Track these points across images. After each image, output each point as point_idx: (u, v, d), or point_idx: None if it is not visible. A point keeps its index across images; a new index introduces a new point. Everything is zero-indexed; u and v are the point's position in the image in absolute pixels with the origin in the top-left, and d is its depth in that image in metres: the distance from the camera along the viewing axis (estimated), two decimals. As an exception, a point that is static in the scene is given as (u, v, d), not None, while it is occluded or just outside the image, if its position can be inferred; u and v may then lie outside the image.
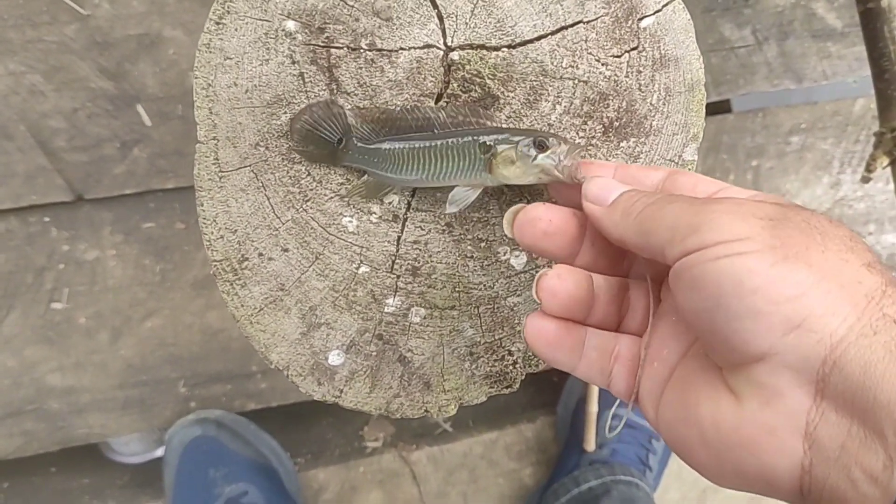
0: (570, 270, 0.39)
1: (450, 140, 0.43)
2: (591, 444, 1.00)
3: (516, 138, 0.42)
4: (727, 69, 1.06)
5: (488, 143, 0.43)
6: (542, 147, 0.41)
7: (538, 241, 0.40)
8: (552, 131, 0.46)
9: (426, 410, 0.50)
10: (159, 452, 1.09)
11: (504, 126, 0.46)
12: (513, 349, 0.49)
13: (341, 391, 0.49)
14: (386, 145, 0.45)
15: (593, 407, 0.98)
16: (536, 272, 0.44)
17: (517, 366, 0.50)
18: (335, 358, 0.49)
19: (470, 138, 0.43)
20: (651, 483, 1.03)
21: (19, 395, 1.02)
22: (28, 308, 1.01)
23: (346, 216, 0.47)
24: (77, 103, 1.00)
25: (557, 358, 0.40)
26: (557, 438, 1.11)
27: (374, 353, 0.49)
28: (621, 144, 0.47)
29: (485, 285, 0.49)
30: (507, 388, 0.50)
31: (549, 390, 1.15)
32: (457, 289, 0.48)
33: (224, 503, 0.99)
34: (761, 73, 1.09)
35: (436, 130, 0.44)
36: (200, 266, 1.04)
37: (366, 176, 0.47)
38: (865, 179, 0.88)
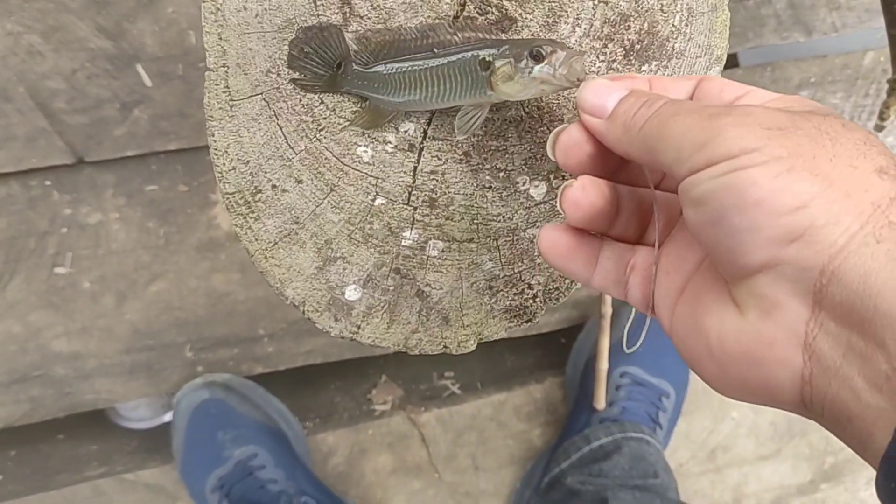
0: (594, 182, 0.38)
1: (449, 58, 0.42)
2: (601, 402, 0.99)
3: (514, 50, 0.40)
4: (736, 21, 1.04)
5: (487, 58, 0.41)
6: (537, 58, 0.40)
7: (583, 165, 0.39)
8: (551, 38, 0.44)
9: (445, 346, 0.49)
10: (167, 417, 1.08)
11: (503, 38, 0.44)
12: (533, 282, 0.48)
13: (358, 327, 0.48)
14: (382, 68, 0.43)
15: (604, 364, 0.97)
16: (556, 203, 0.43)
17: (537, 299, 0.49)
18: (352, 293, 0.47)
19: (469, 54, 0.42)
20: (661, 440, 1.03)
21: (25, 361, 1.01)
22: (31, 273, 1.00)
23: (360, 146, 0.46)
24: (76, 64, 0.99)
25: (572, 269, 0.39)
26: (566, 399, 1.10)
27: (392, 288, 0.48)
28: (643, 68, 0.46)
29: (504, 217, 0.47)
30: (526, 321, 0.49)
31: (557, 352, 1.14)
32: (475, 221, 0.47)
33: (234, 466, 0.98)
34: (770, 26, 1.07)
35: (435, 50, 0.43)
36: (205, 229, 1.03)
37: (367, 102, 0.45)
38: (879, 128, 0.87)
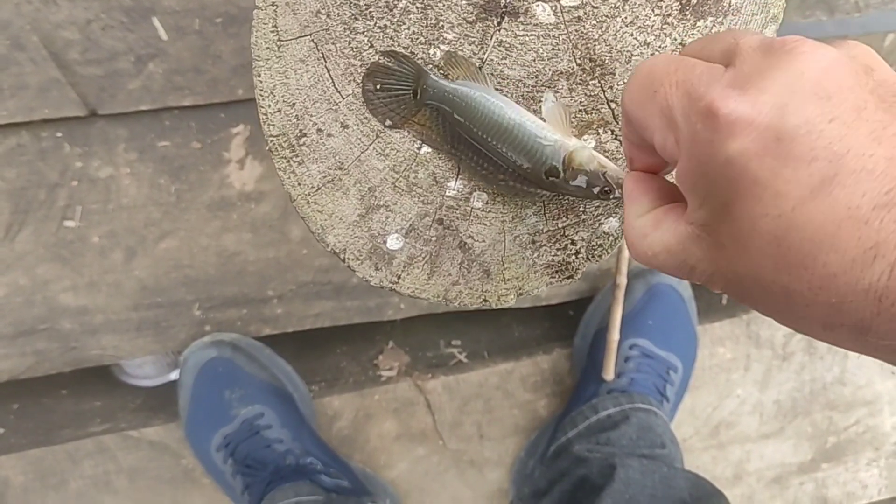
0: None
1: (520, 130, 0.42)
2: (610, 373, 0.99)
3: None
4: None
5: (555, 166, 0.42)
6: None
7: None
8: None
9: (485, 300, 0.48)
10: (173, 376, 1.07)
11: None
12: (576, 238, 0.48)
13: (399, 277, 0.48)
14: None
15: (615, 335, 0.97)
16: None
17: (580, 256, 0.48)
18: (394, 242, 0.47)
19: (539, 143, 0.42)
20: (668, 414, 1.03)
21: (31, 314, 1.00)
22: (40, 225, 0.98)
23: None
24: (91, 14, 0.97)
25: None
26: (573, 370, 1.10)
27: (434, 239, 0.47)
28: (698, 24, 0.45)
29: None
30: (567, 278, 0.48)
31: (565, 324, 1.14)
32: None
33: (240, 424, 0.98)
34: (793, 4, 1.06)
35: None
36: (217, 188, 1.01)
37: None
38: None
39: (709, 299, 1.14)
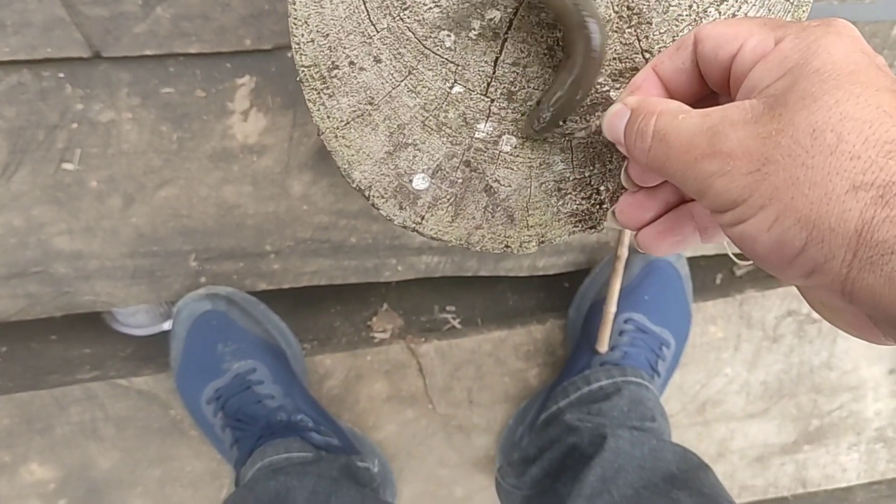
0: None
1: None
2: (604, 346, 1.00)
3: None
4: (773, -23, 1.04)
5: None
6: None
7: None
8: None
9: (507, 245, 0.48)
10: (165, 326, 1.07)
11: None
12: (601, 188, 0.48)
13: (422, 217, 0.47)
14: None
15: (612, 307, 0.97)
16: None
17: (604, 206, 0.48)
18: (420, 182, 0.47)
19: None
20: (658, 388, 1.04)
21: (25, 256, 0.98)
22: (38, 166, 0.97)
23: (444, 30, 0.45)
24: (100, -48, 0.95)
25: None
26: (566, 342, 1.11)
27: (460, 181, 0.47)
28: (721, 7, 0.45)
29: (581, 118, 0.47)
30: (590, 227, 0.48)
31: (560, 295, 1.15)
32: (551, 119, 0.46)
33: (231, 378, 0.97)
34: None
35: None
36: (219, 138, 1.00)
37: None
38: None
39: (703, 277, 1.15)
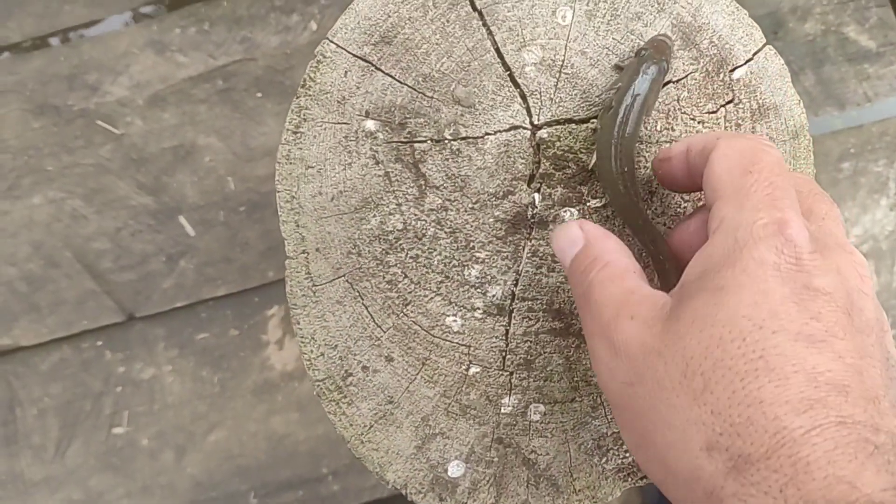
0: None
1: None
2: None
3: None
4: (769, 104, 1.04)
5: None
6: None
7: None
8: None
9: (558, 514, 0.46)
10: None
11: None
12: (642, 436, 0.46)
13: (465, 504, 0.46)
14: None
15: None
16: None
17: (649, 453, 0.46)
18: (455, 469, 0.45)
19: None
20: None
21: (88, 529, 0.98)
22: (89, 436, 0.98)
23: (449, 315, 0.44)
24: (119, 222, 0.99)
25: None
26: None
27: (496, 460, 0.45)
28: None
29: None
30: (642, 478, 0.46)
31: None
32: (575, 378, 0.45)
33: None
34: (802, 104, 1.06)
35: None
36: (259, 371, 1.01)
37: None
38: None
39: None
